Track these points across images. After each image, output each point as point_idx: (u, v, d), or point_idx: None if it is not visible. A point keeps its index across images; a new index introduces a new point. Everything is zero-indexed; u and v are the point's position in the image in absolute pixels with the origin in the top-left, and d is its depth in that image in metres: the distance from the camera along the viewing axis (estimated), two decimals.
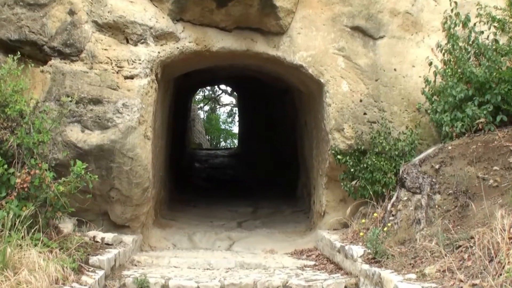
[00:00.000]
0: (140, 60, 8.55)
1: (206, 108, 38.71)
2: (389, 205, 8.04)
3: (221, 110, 39.87)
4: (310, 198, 11.93)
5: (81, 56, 8.43)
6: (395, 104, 9.19)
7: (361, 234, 7.84)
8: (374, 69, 9.27)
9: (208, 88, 37.46)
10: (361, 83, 9.21)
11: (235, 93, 31.98)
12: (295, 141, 13.64)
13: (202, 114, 37.16)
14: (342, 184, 9.01)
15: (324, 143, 9.59)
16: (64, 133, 8.17)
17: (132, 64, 8.50)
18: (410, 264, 6.47)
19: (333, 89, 9.17)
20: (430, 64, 8.80)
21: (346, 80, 9.20)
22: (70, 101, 7.68)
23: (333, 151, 9.05)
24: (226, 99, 38.34)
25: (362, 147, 8.93)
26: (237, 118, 33.73)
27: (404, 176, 7.94)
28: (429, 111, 9.03)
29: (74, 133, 8.19)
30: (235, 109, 36.38)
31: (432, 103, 8.84)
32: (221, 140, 37.42)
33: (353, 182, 8.84)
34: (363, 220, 8.36)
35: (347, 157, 8.94)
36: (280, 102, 15.50)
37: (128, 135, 8.25)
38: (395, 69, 9.35)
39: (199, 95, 36.68)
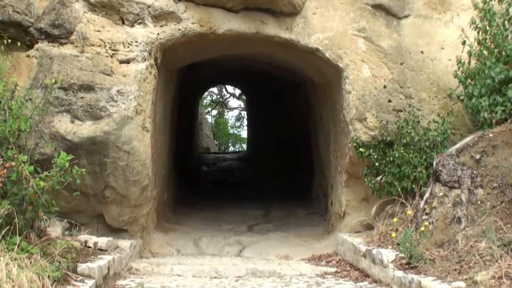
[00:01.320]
0: (137, 42, 7.55)
1: (214, 112, 37.75)
2: (422, 203, 6.97)
3: (229, 114, 38.86)
4: (326, 199, 10.86)
5: (71, 38, 7.44)
6: (423, 90, 8.12)
7: (393, 235, 6.75)
8: (398, 52, 8.22)
9: (216, 92, 36.63)
10: (384, 67, 8.15)
11: (243, 96, 31.02)
12: (309, 139, 12.58)
13: (210, 119, 36.16)
14: (366, 180, 7.94)
15: (344, 136, 8.53)
16: (51, 124, 7.16)
17: (128, 47, 7.50)
18: (456, 269, 5.39)
19: (353, 75, 8.12)
20: (464, 43, 7.77)
21: (368, 64, 8.15)
22: (55, 83, 6.66)
23: (354, 144, 7.99)
24: (234, 103, 37.37)
25: (388, 138, 7.86)
26: (245, 122, 32.74)
27: (439, 168, 6.87)
28: (461, 97, 8.00)
29: (63, 124, 7.18)
30: (244, 113, 35.37)
31: (466, 88, 7.79)
32: (230, 145, 36.39)
33: (378, 178, 7.77)
34: (393, 220, 7.26)
35: (371, 150, 7.87)
36: (291, 99, 14.46)
37: (124, 126, 7.23)
38: (422, 52, 8.30)
39: (206, 99, 35.76)
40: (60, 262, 5.75)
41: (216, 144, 34.63)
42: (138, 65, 7.47)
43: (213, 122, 36.75)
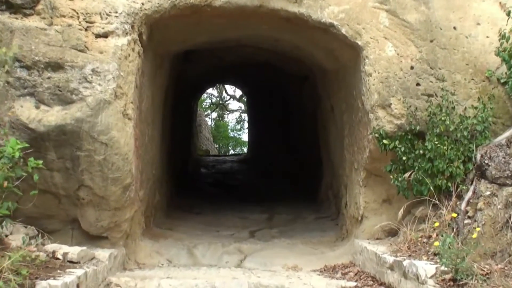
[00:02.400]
0: (116, 13, 6.22)
1: (214, 115, 36.45)
2: (463, 204, 5.66)
3: (230, 117, 37.56)
4: (337, 201, 9.54)
5: (37, 8, 6.11)
6: (457, 72, 6.80)
7: (436, 244, 5.35)
8: (427, 27, 6.90)
9: (215, 94, 35.35)
10: (411, 45, 6.84)
11: (244, 97, 29.73)
12: (316, 136, 11.27)
13: (209, 122, 34.85)
14: (392, 177, 6.59)
15: (362, 127, 7.21)
16: (12, 110, 5.82)
17: (106, 18, 6.18)
18: None
19: (375, 54, 6.81)
20: (509, 14, 6.45)
21: (392, 42, 6.83)
22: (14, 61, 5.35)
23: (376, 135, 6.66)
24: (234, 105, 36.08)
25: (417, 128, 6.53)
26: (246, 125, 31.42)
27: (485, 162, 5.57)
28: (503, 80, 6.68)
29: (25, 110, 5.85)
30: (244, 115, 34.06)
31: (510, 68, 6.46)
32: (230, 148, 35.05)
33: (406, 175, 6.42)
34: (433, 224, 5.92)
35: (396, 142, 6.55)
36: (296, 94, 13.14)
37: (100, 112, 5.90)
38: (454, 28, 6.98)
39: (206, 101, 34.48)
40: (11, 280, 4.45)
41: (216, 147, 33.35)
42: (118, 40, 6.15)
43: (213, 125, 35.45)
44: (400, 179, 6.46)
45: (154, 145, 8.47)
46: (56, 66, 5.88)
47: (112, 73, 5.96)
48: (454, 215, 5.86)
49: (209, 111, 34.95)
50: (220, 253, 7.95)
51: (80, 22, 6.10)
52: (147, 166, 7.77)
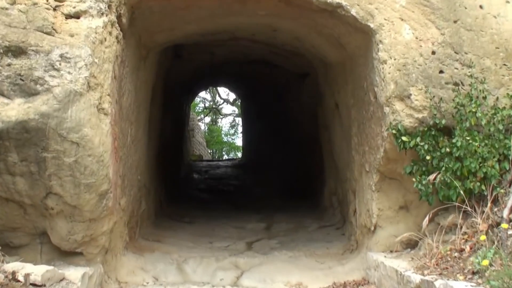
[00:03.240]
0: None
1: (207, 120, 35.43)
2: (506, 211, 4.71)
3: (223, 121, 36.59)
4: (343, 208, 8.61)
5: None
6: (486, 56, 5.87)
7: (474, 260, 4.41)
8: (450, 6, 5.97)
9: (209, 98, 34.41)
10: (432, 27, 5.91)
11: (237, 101, 28.79)
12: (317, 137, 10.32)
13: (203, 126, 33.84)
14: (414, 180, 5.63)
15: (375, 123, 6.26)
16: None
17: None
18: None
19: (390, 38, 5.88)
20: None
21: (409, 24, 5.91)
22: None
23: (393, 131, 5.72)
24: (227, 109, 35.14)
25: (442, 122, 5.58)
26: (240, 129, 30.44)
27: None
28: None
29: None
30: (238, 120, 33.12)
31: None
32: (224, 153, 34.06)
33: (431, 177, 5.46)
34: (479, 237, 4.96)
35: (418, 139, 5.60)
36: (295, 93, 12.19)
37: (70, 105, 4.92)
38: (481, 6, 6.07)
39: (199, 106, 33.53)
40: None
41: (210, 153, 32.40)
42: (92, 21, 5.18)
43: (206, 129, 34.48)
44: (423, 182, 5.49)
45: (139, 147, 7.50)
46: (18, 51, 4.89)
47: (84, 59, 4.98)
48: (483, 225, 4.92)
49: (202, 116, 33.96)
50: (214, 268, 6.98)
51: (47, 1, 5.13)
52: (130, 170, 6.79)
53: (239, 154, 29.75)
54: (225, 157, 33.77)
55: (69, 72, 4.92)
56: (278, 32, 8.18)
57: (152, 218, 9.07)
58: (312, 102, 10.65)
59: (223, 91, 31.26)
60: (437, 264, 5.01)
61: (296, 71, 11.02)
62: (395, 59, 5.80)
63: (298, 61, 9.90)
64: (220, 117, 35.41)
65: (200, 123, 32.13)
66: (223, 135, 34.98)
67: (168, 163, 12.17)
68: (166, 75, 10.51)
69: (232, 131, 35.37)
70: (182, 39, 8.61)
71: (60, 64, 4.91)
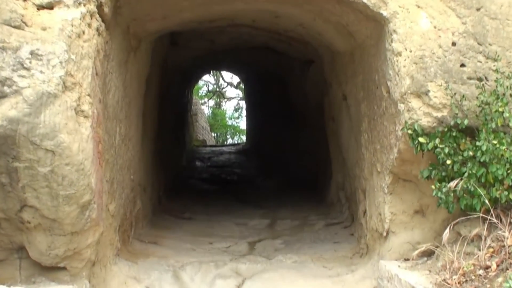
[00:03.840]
0: None
1: (211, 103, 34.73)
2: None
3: (227, 105, 35.91)
4: (351, 205, 8.02)
5: None
6: None
7: (506, 285, 3.80)
8: None
9: (212, 82, 33.70)
10: (452, 15, 5.23)
11: (241, 84, 28.09)
12: (323, 127, 9.68)
13: (206, 110, 33.16)
14: (433, 188, 4.99)
15: (387, 121, 5.62)
16: None
17: None
18: None
19: (405, 27, 5.20)
20: None
21: (426, 11, 5.23)
22: None
23: (408, 131, 5.07)
24: (232, 92, 34.38)
25: (465, 122, 4.92)
26: (244, 112, 29.74)
27: None
28: None
29: None
30: (242, 103, 32.41)
31: None
32: (228, 137, 33.43)
33: (452, 184, 4.82)
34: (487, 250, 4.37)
35: (436, 141, 4.95)
36: (299, 80, 11.51)
37: (43, 108, 4.29)
38: None
39: (202, 89, 32.83)
40: None
41: (214, 137, 31.81)
42: (68, 12, 4.53)
43: (210, 113, 33.82)
44: (444, 189, 4.85)
45: (131, 145, 6.89)
46: None
47: (58, 56, 4.34)
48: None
49: (205, 99, 33.28)
50: (213, 276, 6.39)
51: None
52: (120, 172, 6.19)
53: (244, 138, 29.15)
54: (230, 140, 33.20)
55: (41, 71, 4.28)
56: (280, 18, 7.51)
57: (149, 216, 8.50)
58: (317, 91, 10.00)
59: (227, 75, 30.60)
60: (459, 283, 4.40)
61: (300, 58, 10.34)
62: (410, 51, 5.13)
63: (302, 48, 9.22)
64: (224, 101, 34.71)
65: (203, 107, 31.48)
66: (227, 119, 34.30)
67: (168, 154, 11.59)
68: (163, 63, 9.86)
69: (236, 115, 34.68)
70: (178, 27, 7.96)
71: (30, 63, 4.27)
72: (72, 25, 4.48)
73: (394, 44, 5.21)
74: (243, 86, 25.50)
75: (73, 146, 4.44)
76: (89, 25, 4.71)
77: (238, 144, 25.18)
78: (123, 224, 6.65)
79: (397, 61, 5.18)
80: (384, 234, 5.90)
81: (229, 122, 34.37)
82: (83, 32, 4.60)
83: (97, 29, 4.85)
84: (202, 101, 31.82)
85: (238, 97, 33.65)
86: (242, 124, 32.82)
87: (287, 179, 12.84)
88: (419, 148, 5.02)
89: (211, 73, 28.53)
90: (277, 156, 14.43)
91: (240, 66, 15.93)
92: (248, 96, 21.45)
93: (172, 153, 12.61)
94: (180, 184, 12.59)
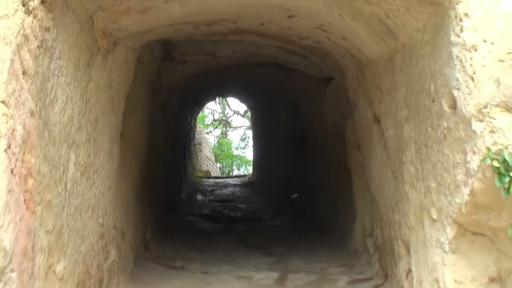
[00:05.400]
0: None
1: (217, 132, 33.14)
2: None
3: (234, 134, 34.33)
4: (382, 256, 6.27)
5: None
6: None
7: None
8: None
9: (219, 110, 32.30)
10: None
11: (248, 112, 26.52)
12: (344, 157, 7.96)
13: (212, 139, 31.54)
14: None
15: (451, 147, 3.87)
16: None
17: None
18: None
19: (482, 8, 3.49)
20: None
21: None
22: None
23: (493, 162, 3.31)
24: (238, 121, 32.84)
25: None
26: (251, 142, 28.09)
27: None
28: None
29: None
30: (249, 133, 30.82)
31: None
32: (234, 167, 31.71)
33: None
34: None
35: None
36: (314, 102, 9.83)
37: None
38: None
39: (208, 118, 31.31)
40: None
41: (219, 167, 30.17)
42: None
43: (215, 143, 32.22)
44: None
45: (99, 179, 5.18)
46: None
47: None
48: None
49: (211, 128, 31.69)
50: None
51: None
52: (76, 217, 4.46)
53: (250, 168, 27.48)
54: (235, 171, 31.54)
55: None
56: (294, 19, 5.86)
57: (129, 268, 6.74)
58: (336, 114, 8.33)
59: (234, 102, 29.13)
60: None
61: (315, 75, 8.67)
62: (492, 43, 3.42)
63: (319, 61, 7.57)
64: (231, 130, 33.13)
65: (208, 136, 29.89)
66: (233, 149, 32.67)
67: (161, 187, 9.88)
68: (154, 79, 8.24)
69: (242, 145, 33.07)
70: (168, 32, 6.34)
71: None
72: None
73: (466, 33, 3.50)
74: (249, 114, 23.89)
75: None
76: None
77: (244, 175, 23.42)
78: (85, 285, 4.90)
79: (471, 58, 3.47)
80: None
81: (235, 152, 32.72)
82: None
83: (25, 4, 3.18)
84: (208, 130, 30.27)
85: (245, 126, 32.13)
86: (249, 154, 31.27)
87: (298, 217, 11.05)
88: (508, 191, 3.27)
89: (217, 100, 27.04)
90: (286, 190, 12.65)
91: (245, 88, 14.25)
92: (255, 123, 19.80)
93: (167, 186, 10.89)
94: (176, 222, 10.85)
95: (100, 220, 5.35)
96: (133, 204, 7.16)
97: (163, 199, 10.09)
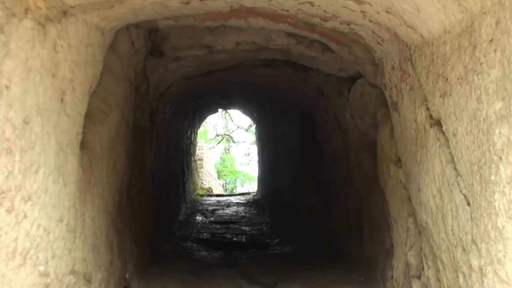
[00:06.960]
0: None
1: (220, 148, 31.42)
2: None
3: (237, 149, 32.62)
4: None
5: None
6: None
7: None
8: None
9: (223, 126, 30.67)
10: None
11: (252, 127, 24.85)
12: (373, 173, 6.21)
13: (215, 155, 29.82)
14: None
15: None
16: None
17: None
18: None
19: None
20: None
21: None
22: None
23: None
24: (242, 137, 31.11)
25: None
26: (255, 157, 26.34)
27: None
28: None
29: None
30: (253, 148, 29.07)
31: None
32: (237, 184, 29.92)
33: None
34: None
35: None
36: (334, 105, 8.08)
37: None
38: None
39: (210, 133, 29.62)
40: None
41: (222, 184, 28.45)
42: None
43: (218, 158, 30.52)
44: None
45: (38, 208, 3.42)
46: None
47: None
48: None
49: (213, 143, 29.97)
50: None
51: None
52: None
53: (254, 185, 25.72)
54: (239, 187, 29.80)
55: None
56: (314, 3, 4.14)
57: None
58: (363, 121, 6.59)
59: (237, 116, 27.48)
60: None
61: (336, 73, 6.93)
62: None
63: (345, 52, 5.83)
64: (234, 145, 31.44)
65: (211, 152, 28.17)
66: (237, 164, 30.91)
67: (150, 211, 8.11)
68: (138, 78, 6.53)
69: (246, 161, 31.35)
70: (146, 5, 4.61)
71: None
72: None
73: None
74: (254, 128, 22.15)
75: None
76: None
77: (248, 193, 21.60)
78: None
79: None
80: None
81: (239, 168, 30.96)
82: None
83: None
84: (210, 145, 28.55)
85: (249, 141, 30.46)
86: (252, 168, 29.58)
87: (311, 244, 9.24)
88: None
89: (219, 113, 25.38)
90: (296, 211, 10.85)
91: (250, 96, 12.49)
92: (260, 137, 18.07)
93: (160, 208, 9.12)
94: (170, 250, 9.07)
95: (41, 268, 3.59)
96: (106, 236, 5.39)
97: (153, 225, 8.31)
